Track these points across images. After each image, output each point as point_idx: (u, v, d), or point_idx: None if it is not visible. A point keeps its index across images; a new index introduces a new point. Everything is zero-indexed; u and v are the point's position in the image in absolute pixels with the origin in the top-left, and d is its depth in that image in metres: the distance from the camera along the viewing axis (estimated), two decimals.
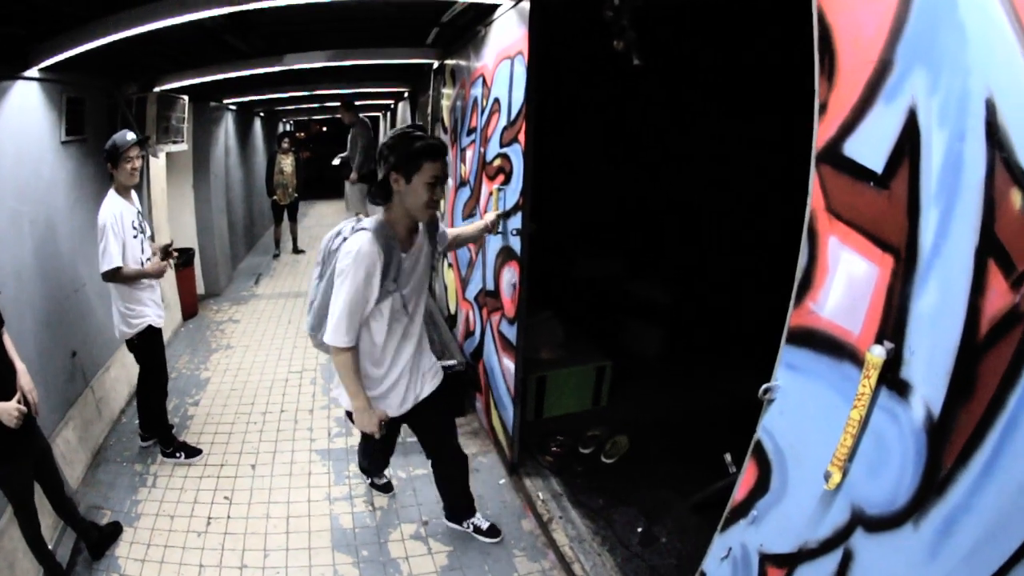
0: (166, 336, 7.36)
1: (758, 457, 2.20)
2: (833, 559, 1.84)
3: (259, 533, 4.20)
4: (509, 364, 4.68)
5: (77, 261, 5.27)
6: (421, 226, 3.28)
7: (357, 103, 11.11)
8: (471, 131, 5.64)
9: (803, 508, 1.98)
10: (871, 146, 1.65)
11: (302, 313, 8.81)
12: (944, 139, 1.44)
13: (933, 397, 1.50)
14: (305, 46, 6.45)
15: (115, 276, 4.51)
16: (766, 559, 2.16)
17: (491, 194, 4.87)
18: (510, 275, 4.57)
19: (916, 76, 1.50)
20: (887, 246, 1.62)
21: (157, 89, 6.91)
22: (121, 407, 5.88)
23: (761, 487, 2.19)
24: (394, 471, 4.87)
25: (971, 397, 1.40)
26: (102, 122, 5.94)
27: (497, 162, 4.79)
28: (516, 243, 4.38)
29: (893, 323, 1.60)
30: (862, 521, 1.75)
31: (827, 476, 1.80)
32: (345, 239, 3.08)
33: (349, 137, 10.63)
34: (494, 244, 4.88)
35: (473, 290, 5.71)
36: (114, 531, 4.12)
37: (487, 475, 4.92)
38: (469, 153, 5.71)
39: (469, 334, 5.99)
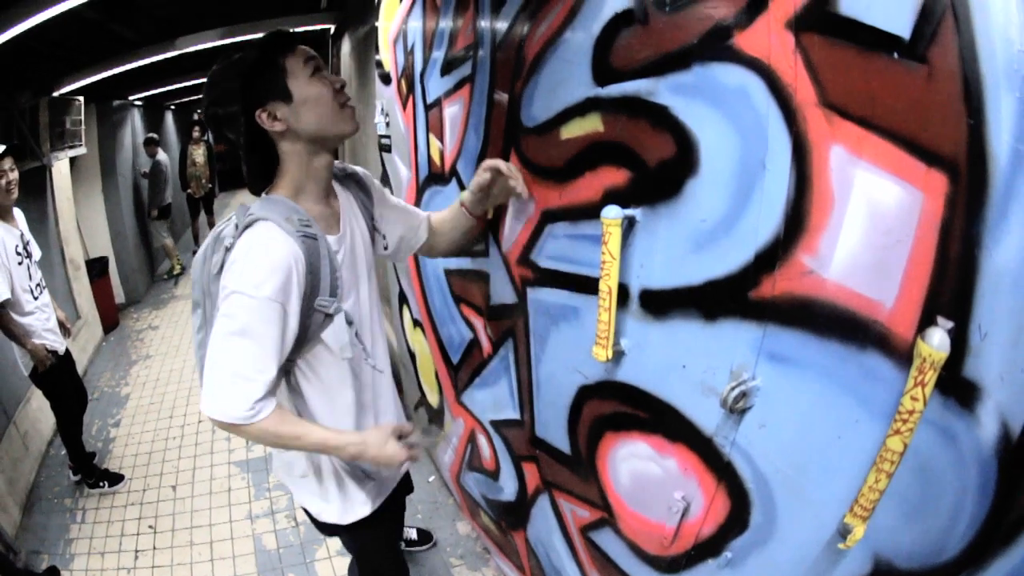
0: (87, 354, 7.29)
1: (729, 484, 1.54)
2: None
3: (185, 563, 3.97)
4: None
5: None
6: (335, 183, 2.02)
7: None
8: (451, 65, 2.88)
9: (801, 555, 1.38)
10: None
11: None
12: None
13: (1014, 405, 0.99)
14: (196, 27, 6.20)
15: None
16: None
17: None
18: None
19: None
20: (934, 157, 1.00)
21: (55, 94, 6.64)
22: (48, 439, 5.66)
23: (736, 522, 1.55)
24: None
25: None
26: None
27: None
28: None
29: (952, 287, 1.01)
30: None
31: (844, 531, 1.21)
32: (230, 247, 1.75)
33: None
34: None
35: (486, 399, 2.94)
36: None
37: (413, 472, 4.55)
38: (452, 108, 2.85)
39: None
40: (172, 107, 14.65)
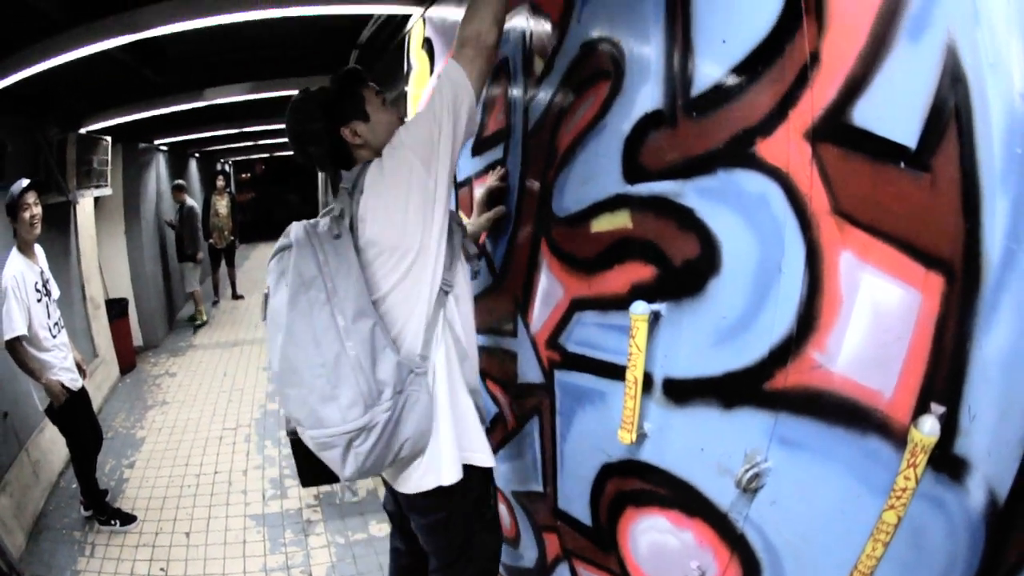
0: (102, 393, 7.28)
1: (742, 554, 1.62)
2: None
3: None
4: None
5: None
6: None
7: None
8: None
9: None
10: (897, 108, 1.12)
11: (238, 364, 8.65)
12: (1004, 83, 0.99)
13: (1000, 476, 1.06)
14: (225, 79, 6.27)
15: (15, 348, 4.13)
16: None
17: None
18: None
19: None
20: (933, 260, 1.09)
21: (82, 131, 6.66)
22: (59, 470, 5.64)
23: None
24: (331, 536, 4.60)
25: None
26: (24, 167, 5.66)
27: None
28: None
29: (945, 377, 1.09)
30: None
31: None
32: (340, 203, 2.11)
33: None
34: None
35: (509, 471, 2.93)
36: None
37: None
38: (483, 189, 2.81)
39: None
40: (196, 155, 14.67)
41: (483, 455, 2.21)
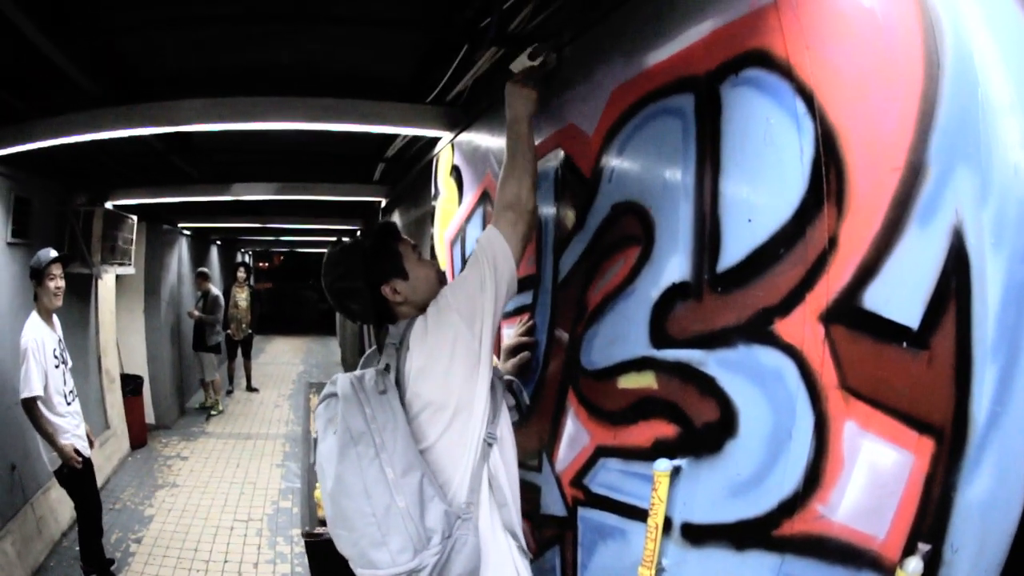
0: (112, 464, 7.38)
1: None
2: None
3: None
4: None
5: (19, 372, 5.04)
6: None
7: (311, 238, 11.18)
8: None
9: None
10: (903, 292, 1.23)
11: (252, 457, 8.66)
12: (1003, 264, 1.09)
13: None
14: (252, 176, 6.46)
15: (31, 408, 4.28)
16: None
17: None
18: None
19: (959, 180, 1.13)
20: (926, 427, 1.20)
21: (108, 204, 6.81)
22: (63, 530, 5.73)
23: None
24: None
25: None
26: (49, 229, 5.89)
27: None
28: None
29: (931, 520, 1.20)
30: None
31: None
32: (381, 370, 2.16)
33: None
34: None
35: None
36: None
37: None
38: (510, 331, 3.03)
39: None
40: (218, 241, 14.86)
41: None
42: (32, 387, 4.25)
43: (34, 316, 4.47)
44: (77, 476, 4.63)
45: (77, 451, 4.54)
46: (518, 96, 2.31)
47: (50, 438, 4.41)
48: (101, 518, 5.01)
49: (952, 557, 1.18)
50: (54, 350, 4.49)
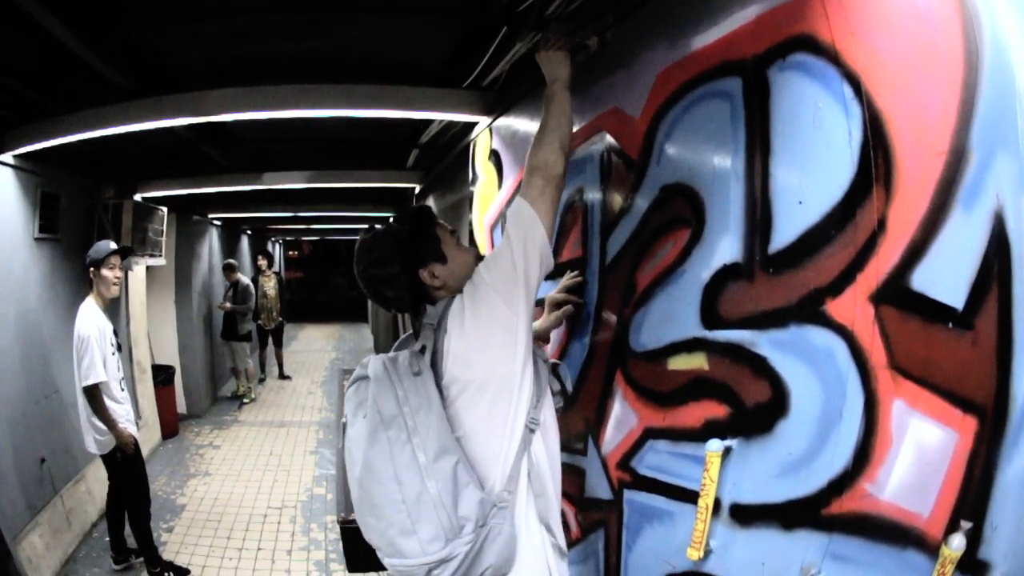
0: (143, 454, 7.26)
1: None
2: None
3: None
4: None
5: (50, 366, 5.18)
6: None
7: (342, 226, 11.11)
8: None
9: None
10: (949, 273, 1.27)
11: (285, 445, 8.65)
12: None
13: (1015, 573, 1.23)
14: (284, 165, 6.45)
15: (95, 394, 4.37)
16: None
17: None
18: None
19: (999, 166, 1.18)
20: (970, 405, 1.25)
21: (137, 197, 6.84)
22: (93, 521, 5.76)
23: None
24: None
25: None
26: (78, 223, 5.95)
27: None
28: None
29: (973, 498, 1.25)
30: None
31: None
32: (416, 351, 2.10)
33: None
34: None
35: None
36: None
37: None
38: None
39: None
40: (248, 231, 14.93)
41: None
42: (97, 373, 4.35)
43: (91, 304, 4.55)
44: (129, 461, 4.73)
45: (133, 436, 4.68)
46: (546, 61, 2.27)
47: (111, 423, 4.49)
48: (150, 503, 5.09)
49: (991, 535, 1.22)
50: (110, 338, 4.60)
